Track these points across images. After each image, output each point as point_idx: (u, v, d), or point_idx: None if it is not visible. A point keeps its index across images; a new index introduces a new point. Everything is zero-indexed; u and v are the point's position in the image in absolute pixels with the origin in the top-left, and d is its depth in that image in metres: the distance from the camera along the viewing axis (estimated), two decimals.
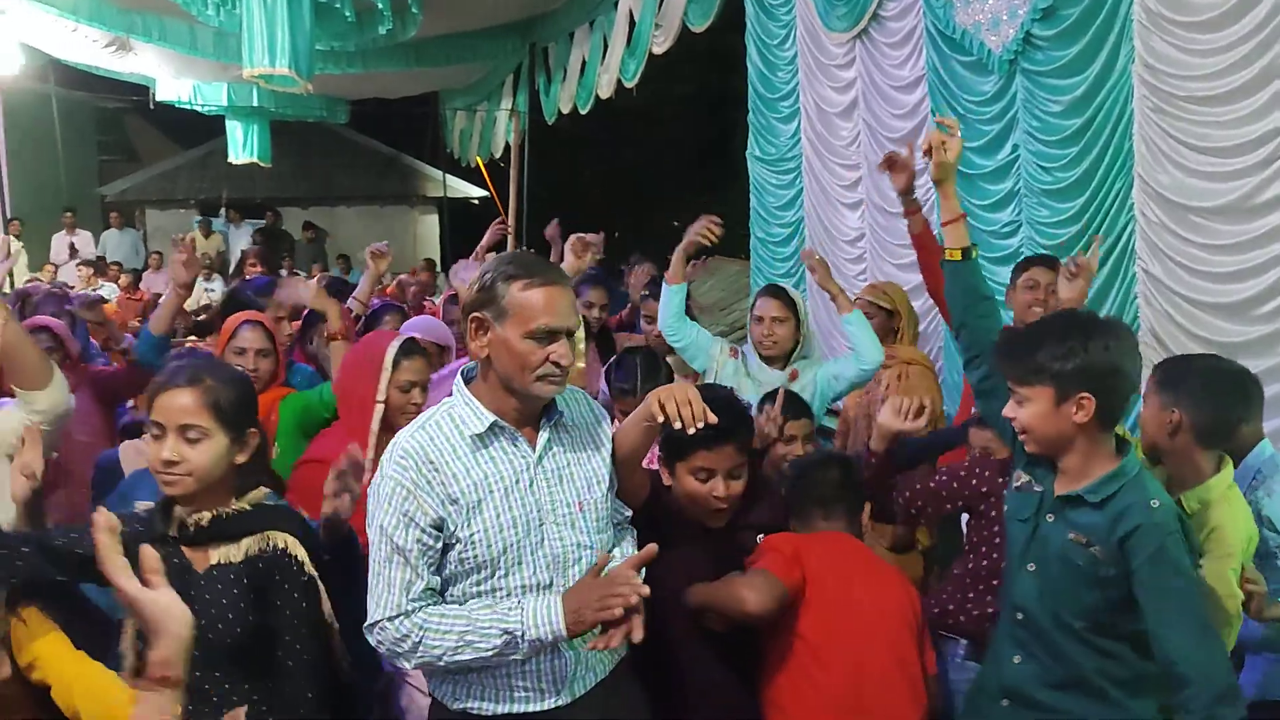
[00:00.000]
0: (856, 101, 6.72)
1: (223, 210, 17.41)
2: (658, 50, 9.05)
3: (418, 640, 2.11)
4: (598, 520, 2.25)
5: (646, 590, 2.04)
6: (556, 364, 2.12)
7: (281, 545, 2.21)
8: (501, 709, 2.20)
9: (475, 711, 2.21)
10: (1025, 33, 5.03)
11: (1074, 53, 4.79)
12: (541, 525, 2.17)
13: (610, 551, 2.29)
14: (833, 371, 3.99)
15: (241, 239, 16.41)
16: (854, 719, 2.57)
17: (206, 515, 2.19)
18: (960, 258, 2.72)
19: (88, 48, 10.94)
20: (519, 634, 2.08)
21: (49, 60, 11.70)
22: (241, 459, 2.23)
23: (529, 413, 2.21)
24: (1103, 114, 4.70)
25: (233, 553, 2.18)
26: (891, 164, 3.50)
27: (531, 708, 2.20)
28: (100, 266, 12.64)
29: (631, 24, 9.43)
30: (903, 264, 6.42)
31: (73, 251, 13.82)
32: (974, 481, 3.04)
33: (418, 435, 2.18)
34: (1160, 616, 2.17)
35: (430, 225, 19.86)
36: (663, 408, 2.14)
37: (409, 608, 2.12)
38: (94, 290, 10.26)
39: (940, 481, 3.09)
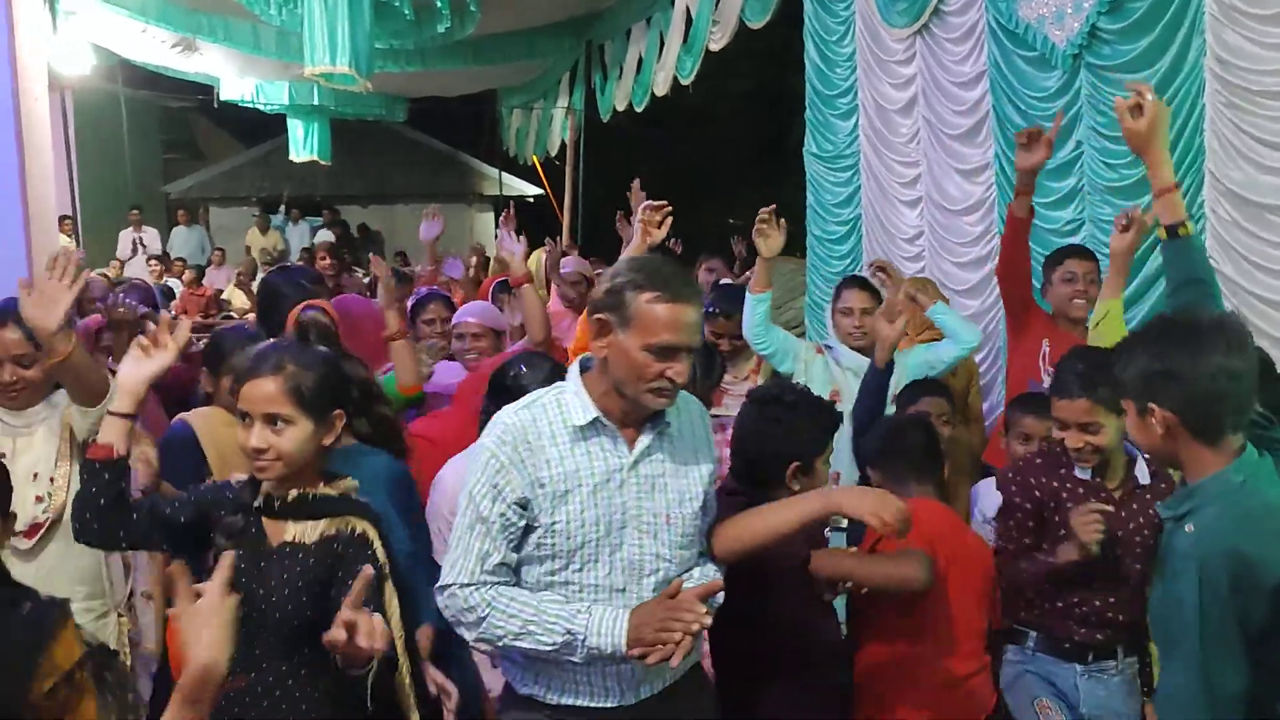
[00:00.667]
0: (916, 98, 6.63)
1: (282, 208, 17.68)
2: (714, 47, 9.01)
3: (483, 615, 2.14)
4: (682, 535, 2.24)
5: (709, 621, 2.07)
6: (671, 380, 2.12)
7: (359, 530, 2.25)
8: (566, 700, 2.24)
9: (540, 699, 2.25)
10: (1091, 26, 4.93)
11: (1142, 46, 4.69)
12: (623, 529, 2.18)
13: (690, 571, 2.29)
14: (925, 358, 4.02)
15: (300, 236, 16.64)
16: (943, 691, 2.70)
17: (293, 492, 2.25)
18: (1165, 236, 2.53)
19: (155, 48, 11.16)
20: (580, 638, 2.10)
21: (117, 61, 11.95)
22: (328, 441, 2.29)
23: (635, 416, 2.21)
24: (1172, 109, 4.59)
25: (307, 532, 2.24)
26: (1031, 139, 3.48)
27: (596, 703, 2.23)
28: (167, 262, 12.91)
29: (689, 21, 9.40)
30: (962, 262, 6.34)
31: (135, 248, 14.12)
32: (1036, 493, 2.96)
33: (522, 413, 2.21)
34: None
35: (486, 223, 20.01)
36: (873, 515, 2.20)
37: (482, 578, 2.15)
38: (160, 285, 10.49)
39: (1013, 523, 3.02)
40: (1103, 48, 4.94)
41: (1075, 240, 5.15)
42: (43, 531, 2.89)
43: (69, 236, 10.32)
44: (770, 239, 3.96)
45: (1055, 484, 2.93)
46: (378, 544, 2.26)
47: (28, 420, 2.99)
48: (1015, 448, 3.37)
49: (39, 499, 2.90)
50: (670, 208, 3.47)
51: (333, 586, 2.19)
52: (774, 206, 3.97)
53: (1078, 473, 2.92)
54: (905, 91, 6.75)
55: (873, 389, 3.52)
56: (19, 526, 2.77)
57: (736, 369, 4.42)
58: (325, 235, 15.81)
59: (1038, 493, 2.95)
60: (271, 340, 2.89)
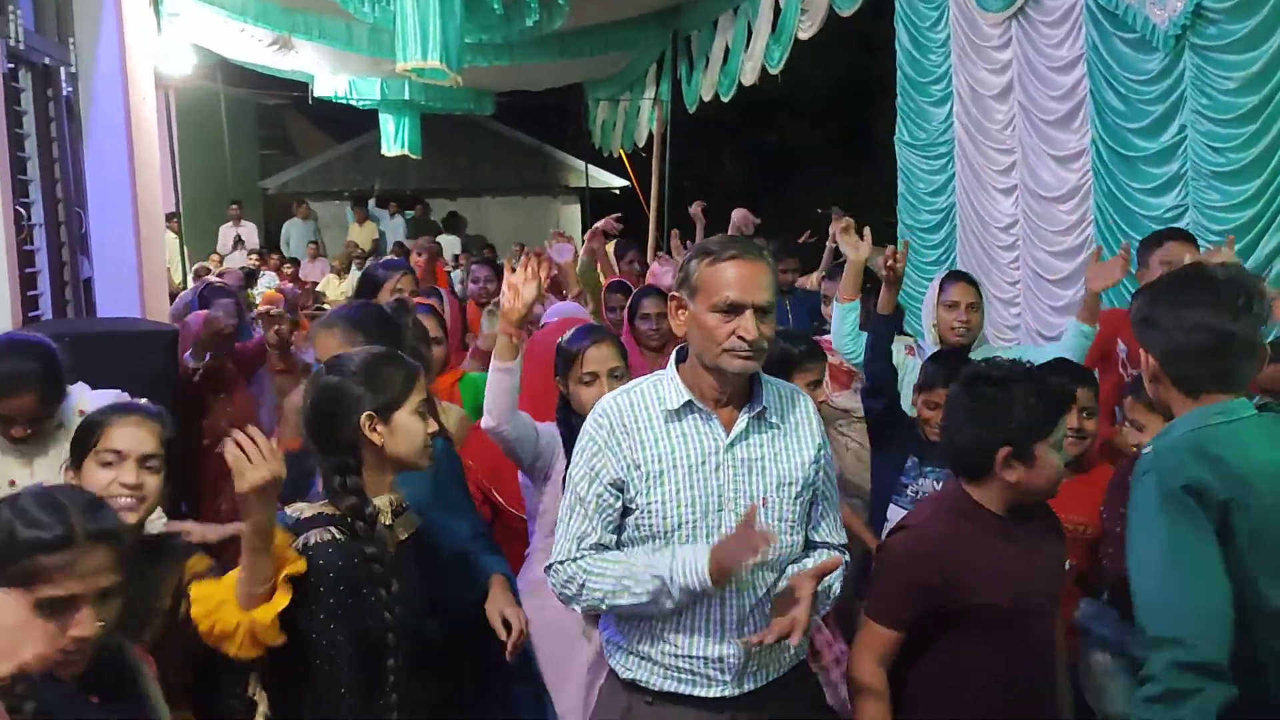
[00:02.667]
0: (1012, 83, 6.50)
1: (371, 201, 18.01)
2: (804, 36, 8.91)
3: (581, 583, 2.21)
4: (780, 520, 2.23)
5: (775, 539, 2.05)
6: (743, 339, 2.14)
7: (418, 521, 2.41)
8: (667, 686, 2.25)
9: (642, 684, 2.27)
10: (1195, 6, 4.78)
11: (1251, 25, 4.54)
12: (720, 511, 2.19)
13: (803, 561, 2.29)
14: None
15: (396, 230, 16.98)
16: None
17: (398, 496, 2.34)
18: None
19: (253, 47, 11.44)
20: (668, 578, 2.11)
21: (216, 60, 12.28)
22: None
23: (727, 394, 2.23)
24: None
25: (408, 524, 2.34)
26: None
27: (697, 692, 2.24)
28: (264, 256, 13.28)
29: (776, 10, 9.33)
30: (1057, 251, 6.21)
31: (237, 242, 14.54)
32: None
33: (620, 399, 2.28)
34: (1131, 562, 1.97)
35: (572, 215, 20.11)
36: None
37: (578, 555, 2.22)
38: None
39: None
40: (1208, 28, 4.79)
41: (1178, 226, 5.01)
42: None
43: (175, 234, 10.68)
44: (854, 245, 3.75)
45: None
46: None
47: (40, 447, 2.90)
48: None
49: None
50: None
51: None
52: (849, 220, 3.84)
53: None
54: (1001, 77, 6.62)
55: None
56: None
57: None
58: (452, 245, 16.32)
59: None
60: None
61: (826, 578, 2.23)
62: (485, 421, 2.93)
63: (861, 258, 3.75)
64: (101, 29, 5.70)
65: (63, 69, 5.25)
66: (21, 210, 4.61)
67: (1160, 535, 1.90)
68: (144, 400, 2.52)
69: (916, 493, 3.37)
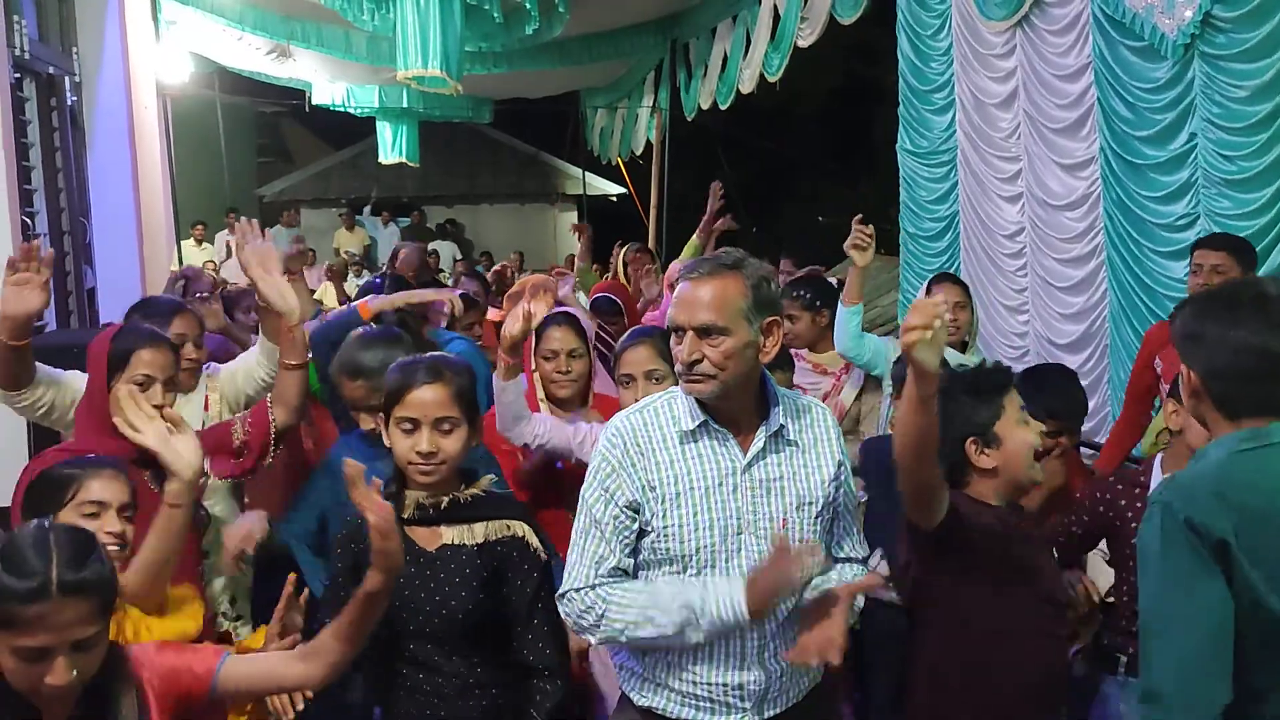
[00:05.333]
0: (1016, 92, 6.48)
1: (366, 209, 17.95)
2: (803, 44, 8.89)
3: (601, 613, 2.12)
4: (801, 541, 2.18)
5: (817, 562, 1.98)
6: (681, 361, 2.12)
7: (520, 534, 2.34)
8: (685, 714, 2.19)
9: (659, 711, 2.21)
10: (1204, 14, 4.77)
11: (1262, 34, 4.52)
12: (740, 534, 2.14)
13: (827, 574, 2.25)
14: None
15: (390, 238, 16.94)
16: None
17: (444, 499, 2.30)
18: None
19: (250, 55, 11.41)
20: (698, 609, 2.04)
21: (214, 68, 12.25)
22: (475, 442, 2.37)
23: (736, 416, 2.18)
24: None
25: (468, 534, 2.30)
26: None
27: (718, 719, 2.18)
28: None
29: (776, 18, 9.32)
30: (1064, 259, 6.19)
31: (230, 251, 14.49)
32: (1100, 509, 2.90)
33: (633, 418, 2.22)
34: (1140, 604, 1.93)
35: (569, 223, 20.12)
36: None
37: (596, 582, 2.13)
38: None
39: (1073, 519, 2.96)
40: (1217, 36, 4.78)
41: (1189, 235, 5.00)
42: None
43: (199, 242, 10.65)
44: (866, 251, 4.00)
45: (1127, 501, 2.83)
46: (534, 540, 2.35)
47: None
48: None
49: None
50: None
51: (503, 586, 2.30)
52: (871, 227, 4.01)
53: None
54: (1005, 85, 6.60)
55: None
56: None
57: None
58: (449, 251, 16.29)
59: (1101, 508, 2.89)
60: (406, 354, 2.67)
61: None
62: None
63: (865, 262, 4.00)
64: (105, 38, 5.69)
65: (67, 78, 5.22)
66: (27, 220, 4.57)
67: (1159, 581, 1.84)
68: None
69: None
